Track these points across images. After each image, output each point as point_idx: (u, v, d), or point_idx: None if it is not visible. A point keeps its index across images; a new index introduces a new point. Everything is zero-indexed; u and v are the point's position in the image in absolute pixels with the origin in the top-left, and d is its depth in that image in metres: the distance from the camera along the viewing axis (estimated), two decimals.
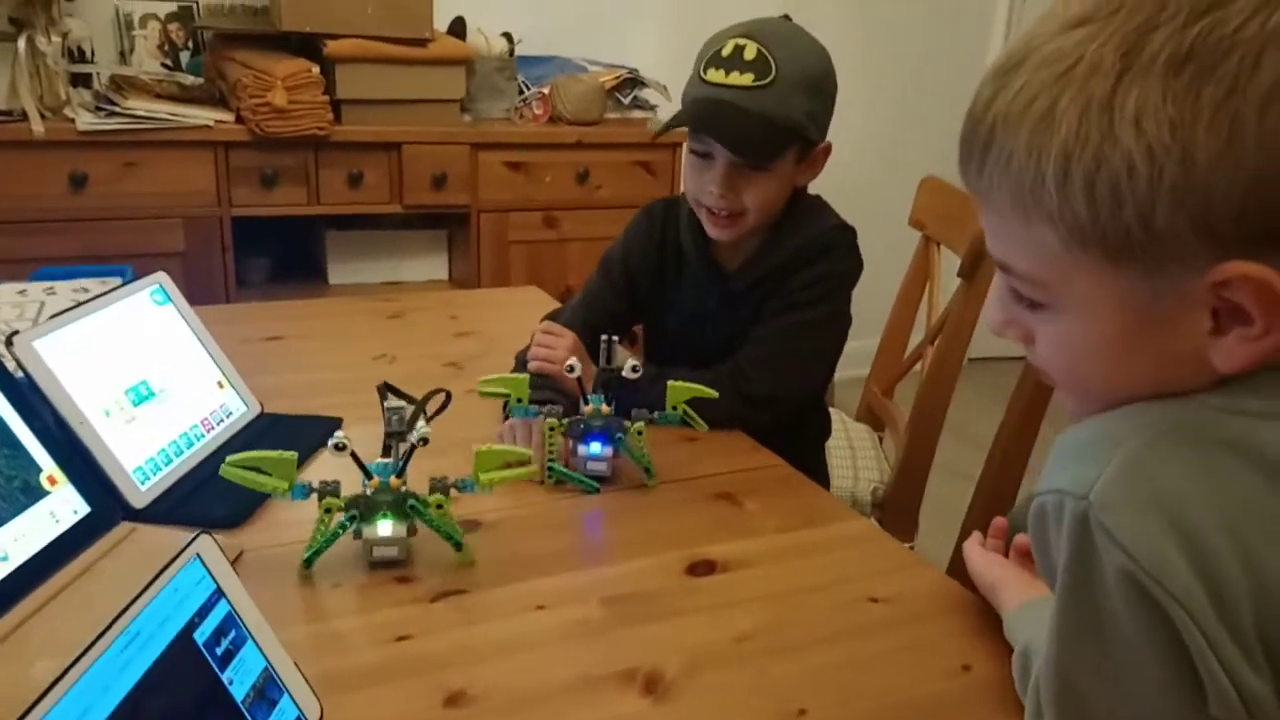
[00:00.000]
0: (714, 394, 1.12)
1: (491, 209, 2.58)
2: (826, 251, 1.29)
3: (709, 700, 0.78)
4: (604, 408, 1.10)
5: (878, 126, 3.42)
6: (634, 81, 2.76)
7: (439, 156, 2.49)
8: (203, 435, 1.14)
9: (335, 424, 1.24)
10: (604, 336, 1.13)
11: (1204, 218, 0.51)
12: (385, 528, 0.94)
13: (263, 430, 1.21)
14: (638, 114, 2.78)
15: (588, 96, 2.63)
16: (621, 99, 2.75)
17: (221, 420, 1.18)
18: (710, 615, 0.89)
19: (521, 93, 2.69)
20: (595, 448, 1.11)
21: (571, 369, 1.09)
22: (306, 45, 2.39)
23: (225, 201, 2.34)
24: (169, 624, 0.65)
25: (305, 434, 1.19)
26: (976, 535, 0.93)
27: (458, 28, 2.64)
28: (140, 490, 1.02)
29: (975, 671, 0.83)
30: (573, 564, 0.97)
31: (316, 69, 2.32)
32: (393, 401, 0.98)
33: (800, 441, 1.34)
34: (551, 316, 1.38)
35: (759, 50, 1.20)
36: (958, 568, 1.37)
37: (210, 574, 0.70)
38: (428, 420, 0.98)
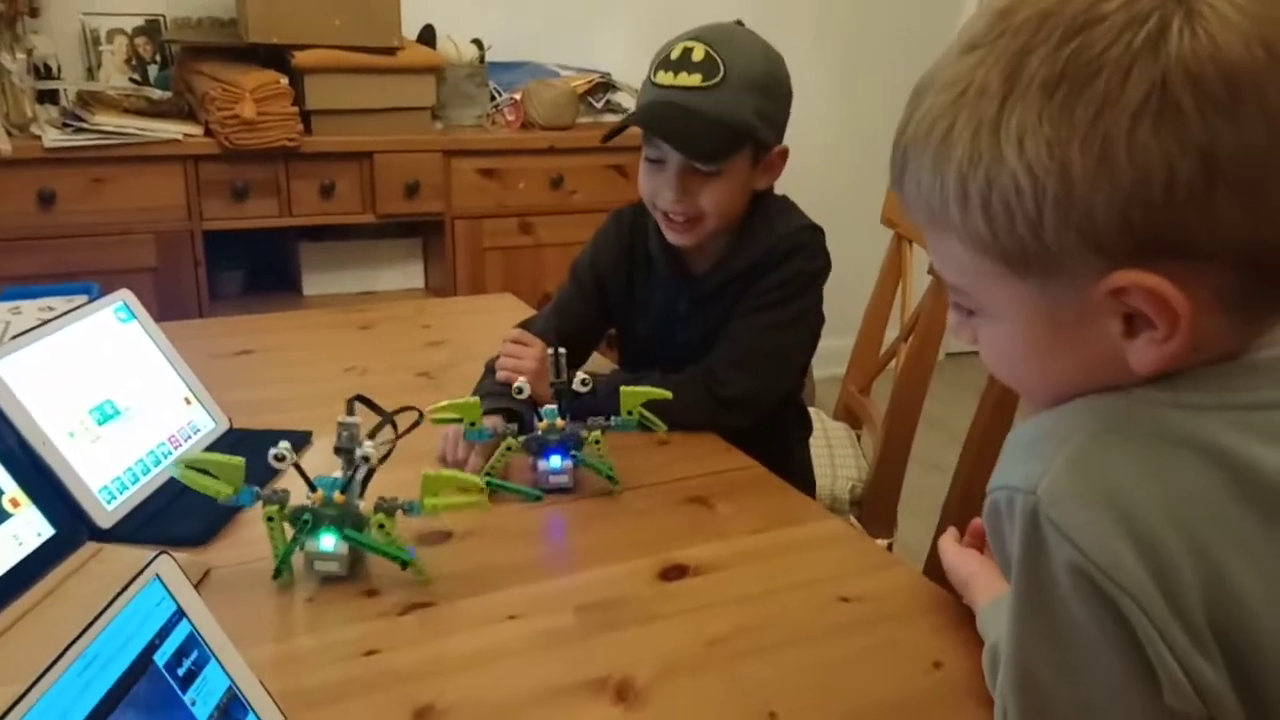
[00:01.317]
0: (668, 395, 1.12)
1: (465, 216, 2.58)
2: (795, 252, 1.29)
3: (680, 706, 0.78)
4: (559, 421, 1.09)
5: (849, 126, 3.43)
6: (606, 85, 2.76)
7: (411, 165, 2.48)
8: (170, 453, 1.13)
9: (304, 438, 1.23)
10: (550, 350, 1.12)
11: (1089, 231, 0.53)
12: (327, 542, 0.93)
13: (230, 446, 1.20)
14: (610, 118, 2.78)
15: (560, 101, 2.63)
16: (594, 103, 2.75)
17: (189, 437, 1.18)
18: (682, 620, 0.89)
19: (493, 99, 2.69)
20: (555, 461, 1.10)
21: (520, 390, 1.10)
22: (274, 57, 2.38)
23: (196, 215, 2.33)
24: (128, 647, 0.64)
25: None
26: (952, 531, 0.93)
27: (427, 35, 2.63)
28: (106, 510, 1.01)
29: (946, 669, 0.83)
30: (544, 573, 0.96)
31: (285, 80, 2.31)
32: (345, 417, 0.97)
33: (777, 441, 1.34)
34: (525, 325, 1.37)
35: (707, 51, 1.20)
36: (936, 563, 1.37)
37: (170, 594, 0.69)
38: (397, 437, 0.97)
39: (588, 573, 0.97)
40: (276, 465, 0.90)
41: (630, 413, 1.12)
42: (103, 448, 1.05)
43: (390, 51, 2.43)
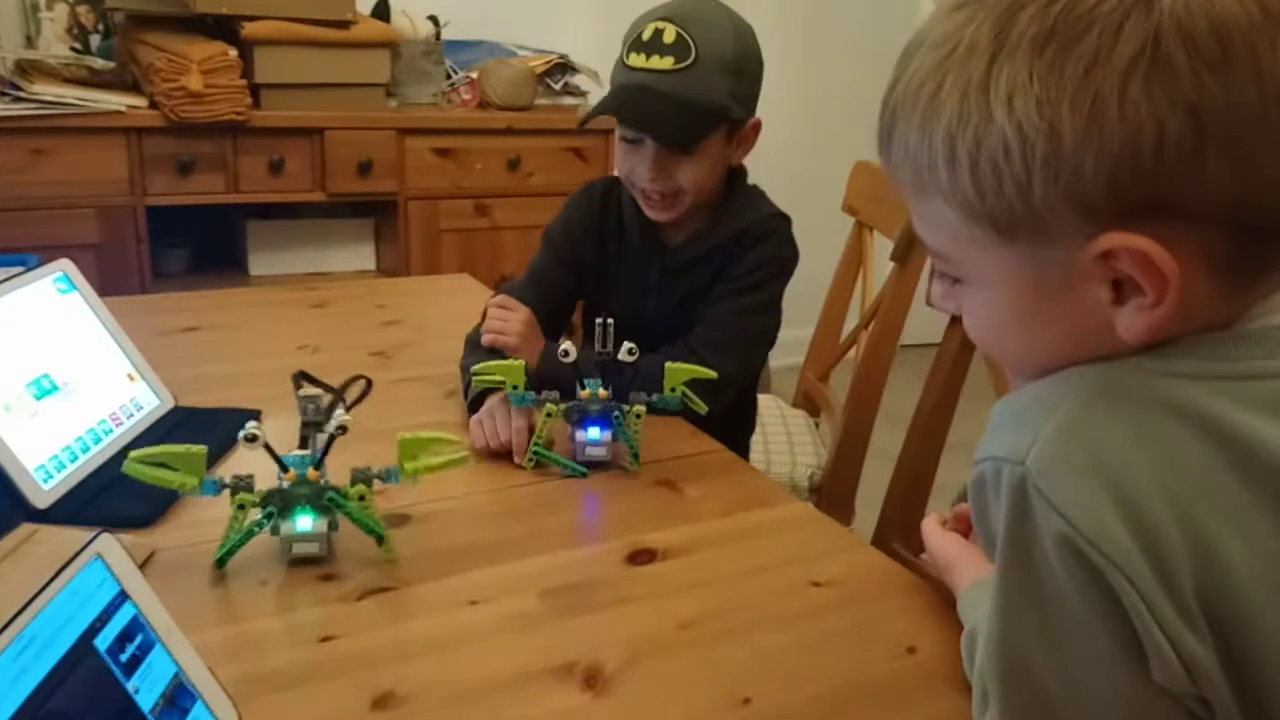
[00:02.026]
0: (714, 374, 1.09)
1: (420, 197, 2.52)
2: (765, 238, 1.29)
3: (651, 691, 0.75)
4: (601, 392, 1.07)
5: (809, 113, 3.42)
6: (565, 67, 2.72)
7: (364, 142, 2.42)
8: (111, 430, 1.08)
9: (253, 416, 1.18)
10: (599, 320, 1.08)
11: (1078, 192, 0.52)
12: (304, 523, 0.89)
13: (176, 424, 1.15)
14: (569, 100, 2.74)
15: (518, 81, 2.58)
16: (552, 85, 2.71)
17: (132, 414, 1.12)
18: (652, 604, 0.86)
19: (449, 77, 2.64)
20: (594, 432, 1.08)
21: (566, 353, 1.07)
22: (222, 27, 2.31)
23: (139, 190, 2.25)
24: (67, 629, 0.60)
25: (221, 427, 1.13)
26: (934, 515, 0.91)
27: (381, 10, 2.57)
28: (43, 489, 0.96)
29: (921, 653, 0.81)
30: (508, 556, 0.93)
31: (234, 52, 2.24)
32: (307, 390, 0.92)
33: (746, 424, 1.32)
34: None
35: (678, 33, 1.19)
36: (884, 541, 1.36)
37: (113, 575, 0.65)
38: (347, 409, 0.93)
39: (553, 556, 0.94)
40: (247, 446, 0.85)
41: (673, 390, 1.09)
42: (40, 424, 0.99)
43: (344, 25, 2.36)
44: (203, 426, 1.14)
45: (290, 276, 2.58)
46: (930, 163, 0.57)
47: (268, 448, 0.87)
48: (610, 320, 1.09)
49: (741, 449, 1.39)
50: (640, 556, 0.93)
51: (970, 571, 0.83)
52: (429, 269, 2.55)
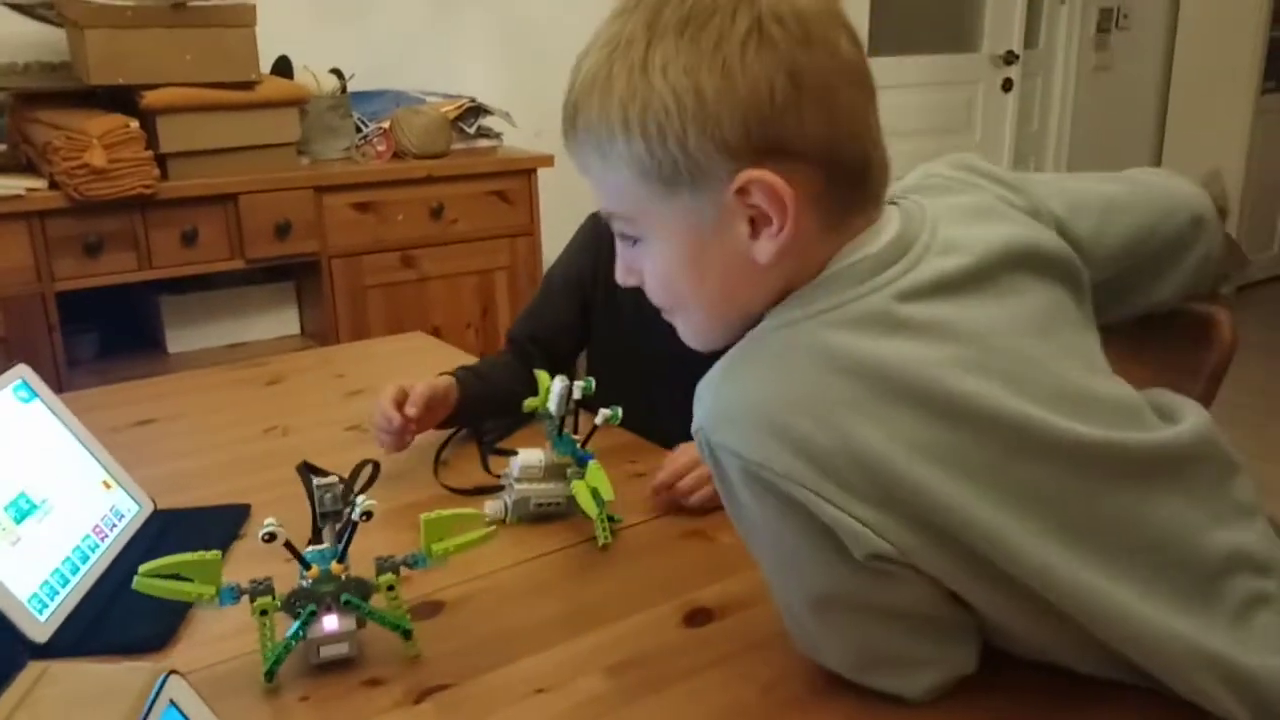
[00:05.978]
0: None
1: (343, 254, 2.43)
2: None
3: None
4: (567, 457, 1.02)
5: None
6: (477, 110, 2.67)
7: (280, 204, 2.33)
8: (98, 546, 0.99)
9: (243, 512, 1.11)
10: (560, 380, 1.04)
11: (720, 137, 0.66)
12: (331, 622, 0.83)
13: (162, 530, 1.07)
14: (484, 143, 2.69)
15: (432, 128, 2.52)
16: (466, 129, 2.66)
17: (114, 525, 1.04)
18: (726, 669, 0.82)
19: (359, 130, 2.56)
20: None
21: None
22: (119, 99, 2.19)
23: (46, 276, 2.12)
24: None
25: (212, 528, 1.07)
26: None
27: (282, 67, 2.49)
28: (40, 622, 0.87)
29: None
30: (558, 635, 0.88)
31: (135, 123, 2.13)
32: (321, 479, 0.86)
33: None
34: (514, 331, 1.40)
35: None
36: None
37: None
38: (355, 495, 0.87)
39: (605, 629, 0.89)
40: (266, 545, 0.79)
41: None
42: (24, 549, 0.91)
43: (248, 86, 2.27)
44: (192, 530, 1.06)
45: (211, 350, 2.46)
46: (609, 135, 0.69)
47: (289, 545, 0.81)
48: (576, 383, 1.07)
49: None
50: (697, 617, 0.90)
51: None
52: (357, 327, 2.47)
